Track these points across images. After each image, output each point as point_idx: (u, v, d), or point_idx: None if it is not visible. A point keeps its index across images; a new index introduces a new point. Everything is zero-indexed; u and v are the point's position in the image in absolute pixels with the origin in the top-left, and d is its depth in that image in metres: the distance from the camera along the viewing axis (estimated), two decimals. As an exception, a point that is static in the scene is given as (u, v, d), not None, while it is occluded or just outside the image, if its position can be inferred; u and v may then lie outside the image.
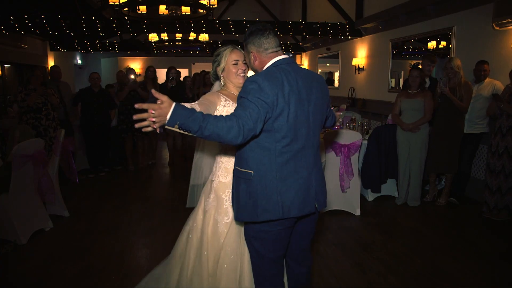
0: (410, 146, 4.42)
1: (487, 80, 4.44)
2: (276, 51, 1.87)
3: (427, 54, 5.44)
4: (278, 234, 1.86)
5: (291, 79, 1.76)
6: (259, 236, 1.87)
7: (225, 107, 2.04)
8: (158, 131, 1.59)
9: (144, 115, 1.49)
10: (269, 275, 1.94)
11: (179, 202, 4.57)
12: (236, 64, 2.09)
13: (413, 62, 6.76)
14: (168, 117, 1.49)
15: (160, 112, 1.48)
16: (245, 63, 2.10)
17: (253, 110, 1.62)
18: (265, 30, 1.86)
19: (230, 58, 2.09)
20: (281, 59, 1.85)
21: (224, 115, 1.60)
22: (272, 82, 1.70)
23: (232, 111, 1.70)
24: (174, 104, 1.51)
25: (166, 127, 1.53)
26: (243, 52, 2.06)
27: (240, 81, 2.09)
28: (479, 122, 4.44)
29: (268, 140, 1.75)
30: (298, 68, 1.87)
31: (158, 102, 1.50)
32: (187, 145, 6.86)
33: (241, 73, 2.10)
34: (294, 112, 1.74)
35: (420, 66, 4.97)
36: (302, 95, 1.77)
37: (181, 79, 7.01)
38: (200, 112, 1.56)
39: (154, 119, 1.49)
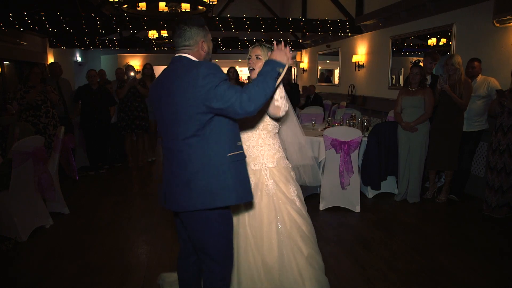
0: (410, 143, 4.42)
1: (481, 78, 4.42)
2: (177, 50, 1.88)
3: (429, 51, 5.41)
4: None
5: (161, 78, 1.86)
6: None
7: None
8: None
9: None
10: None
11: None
12: (249, 59, 2.22)
13: (414, 59, 6.75)
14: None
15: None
16: (259, 58, 2.18)
17: None
18: (179, 28, 1.84)
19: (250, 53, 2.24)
20: (173, 56, 1.90)
21: None
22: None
23: None
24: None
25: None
26: (261, 48, 2.19)
27: (251, 75, 2.23)
28: (477, 119, 4.42)
29: None
30: (174, 66, 1.83)
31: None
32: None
33: (250, 67, 2.22)
34: (159, 111, 1.85)
35: (421, 64, 4.95)
36: (163, 97, 1.81)
37: None
38: None
39: None
